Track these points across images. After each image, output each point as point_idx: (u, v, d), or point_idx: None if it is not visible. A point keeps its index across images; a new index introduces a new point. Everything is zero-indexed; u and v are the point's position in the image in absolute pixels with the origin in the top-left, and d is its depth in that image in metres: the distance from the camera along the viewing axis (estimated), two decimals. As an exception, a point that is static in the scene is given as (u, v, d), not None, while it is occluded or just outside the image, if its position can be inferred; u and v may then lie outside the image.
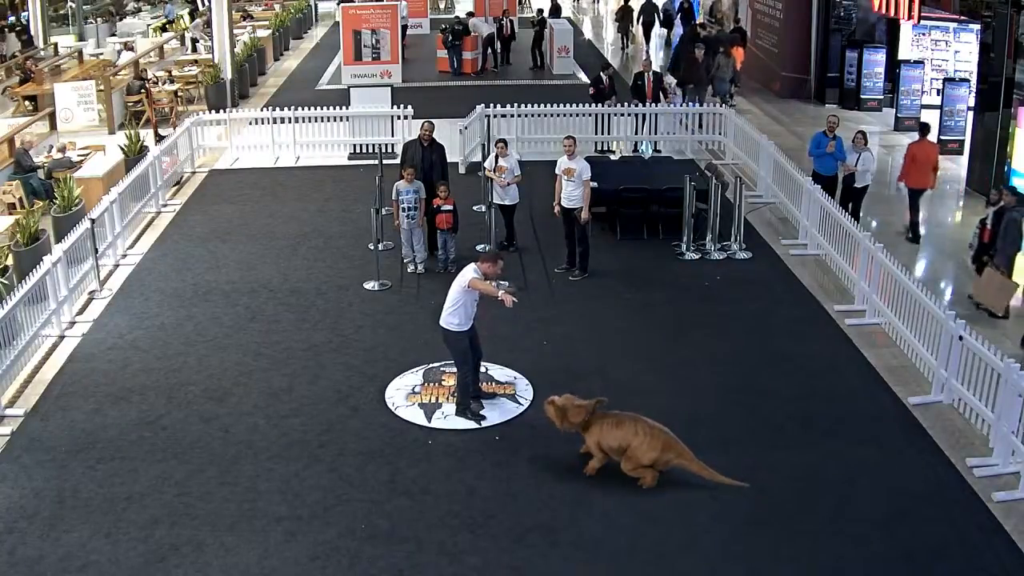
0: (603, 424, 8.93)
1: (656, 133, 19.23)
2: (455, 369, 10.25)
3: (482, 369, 10.92)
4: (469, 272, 9.75)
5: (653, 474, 8.82)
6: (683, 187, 14.04)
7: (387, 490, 8.91)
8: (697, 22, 28.65)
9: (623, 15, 31.49)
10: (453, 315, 9.80)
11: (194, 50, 28.08)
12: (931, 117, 19.57)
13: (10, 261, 12.66)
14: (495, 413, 10.11)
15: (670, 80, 21.55)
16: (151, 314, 12.48)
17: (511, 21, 29.03)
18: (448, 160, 14.45)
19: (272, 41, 29.88)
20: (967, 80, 19.05)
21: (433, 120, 14.55)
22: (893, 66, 21.55)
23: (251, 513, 8.60)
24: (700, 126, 19.58)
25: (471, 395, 10.13)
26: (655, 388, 10.47)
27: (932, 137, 15.82)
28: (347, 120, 19.32)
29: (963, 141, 18.39)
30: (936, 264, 14.23)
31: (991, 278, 11.98)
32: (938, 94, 19.42)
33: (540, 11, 31.17)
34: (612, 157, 18.44)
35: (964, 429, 9.80)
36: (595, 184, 13.46)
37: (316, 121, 19.11)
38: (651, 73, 19.67)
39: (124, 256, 14.34)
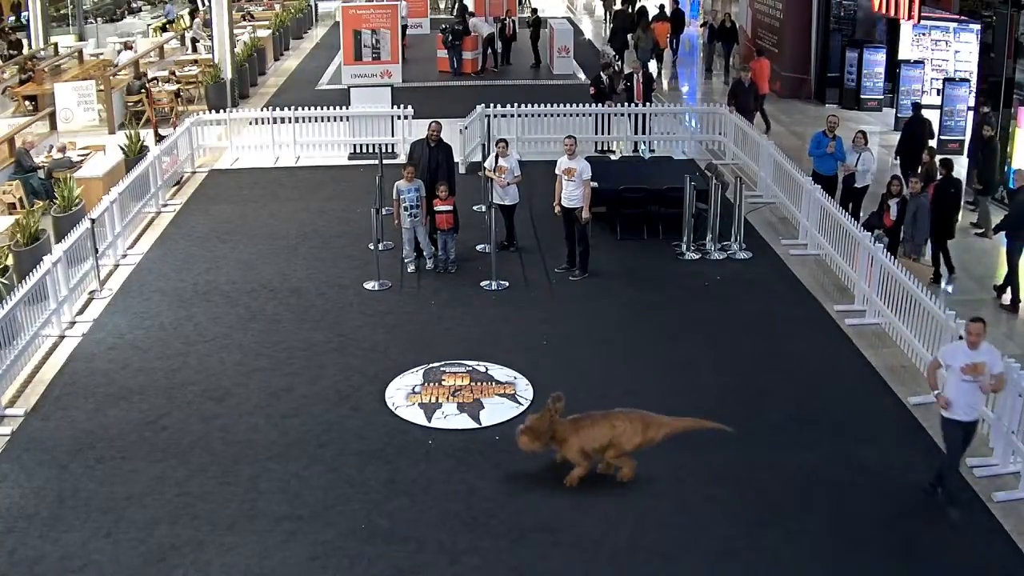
0: (579, 430, 8.73)
1: (650, 133, 19.19)
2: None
3: (482, 369, 10.95)
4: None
5: (631, 465, 8.79)
6: (683, 187, 14.05)
7: (387, 490, 8.90)
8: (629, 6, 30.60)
9: None
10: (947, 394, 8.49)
11: (194, 50, 28.07)
12: (931, 117, 19.64)
13: (10, 261, 12.64)
14: (495, 413, 10.11)
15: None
16: (151, 314, 12.47)
17: (512, 21, 29.05)
18: (448, 160, 14.46)
19: (272, 41, 29.85)
20: (967, 80, 19.04)
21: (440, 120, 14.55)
22: (893, 66, 21.54)
23: (251, 513, 8.60)
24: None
25: (947, 497, 8.64)
26: (655, 388, 10.46)
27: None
28: (347, 120, 19.31)
29: (963, 141, 18.35)
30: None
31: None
32: (938, 94, 19.40)
33: (535, 10, 31.30)
34: (612, 157, 18.43)
35: (964, 429, 9.79)
36: (595, 184, 13.46)
37: (316, 121, 19.10)
38: (640, 74, 19.64)
39: (124, 256, 14.33)
